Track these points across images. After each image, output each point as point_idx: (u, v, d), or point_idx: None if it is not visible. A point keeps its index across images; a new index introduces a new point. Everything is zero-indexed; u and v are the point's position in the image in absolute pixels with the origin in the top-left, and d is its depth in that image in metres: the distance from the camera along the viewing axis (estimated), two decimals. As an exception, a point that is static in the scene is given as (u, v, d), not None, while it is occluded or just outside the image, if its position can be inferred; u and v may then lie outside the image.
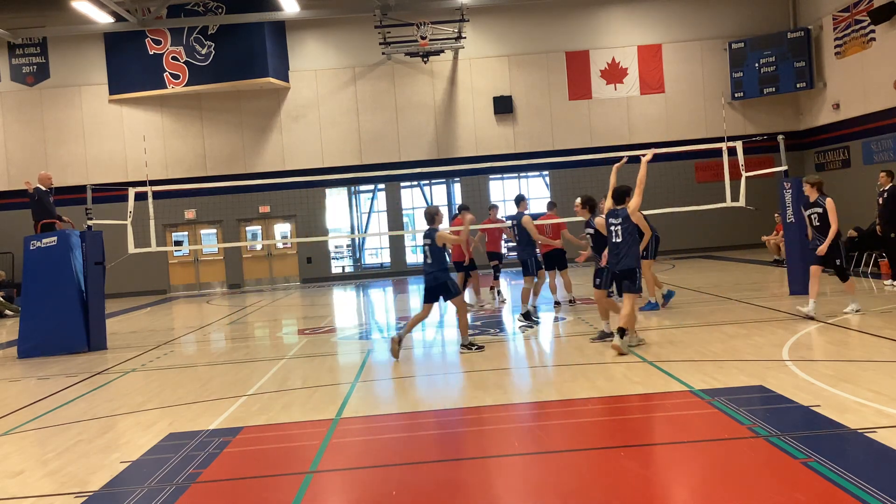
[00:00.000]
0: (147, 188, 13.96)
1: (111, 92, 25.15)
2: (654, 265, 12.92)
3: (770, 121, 24.65)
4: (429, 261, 9.73)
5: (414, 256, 26.49)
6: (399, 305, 17.65)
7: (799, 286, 12.19)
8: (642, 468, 5.16)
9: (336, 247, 27.16)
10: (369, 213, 26.58)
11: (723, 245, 24.32)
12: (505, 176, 25.88)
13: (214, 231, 25.98)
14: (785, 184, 12.96)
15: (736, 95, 24.70)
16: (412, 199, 26.32)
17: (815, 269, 10.47)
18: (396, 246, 26.13)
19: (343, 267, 26.90)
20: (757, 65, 24.23)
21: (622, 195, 9.26)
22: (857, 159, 22.06)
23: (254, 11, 23.60)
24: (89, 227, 12.80)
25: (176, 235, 25.93)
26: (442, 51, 23.63)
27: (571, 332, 11.06)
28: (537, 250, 12.51)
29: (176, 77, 24.71)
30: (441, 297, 9.75)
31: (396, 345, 9.56)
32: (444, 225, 12.29)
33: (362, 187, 26.34)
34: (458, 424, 6.71)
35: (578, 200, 10.53)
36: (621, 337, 8.75)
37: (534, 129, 25.16)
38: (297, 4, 22.77)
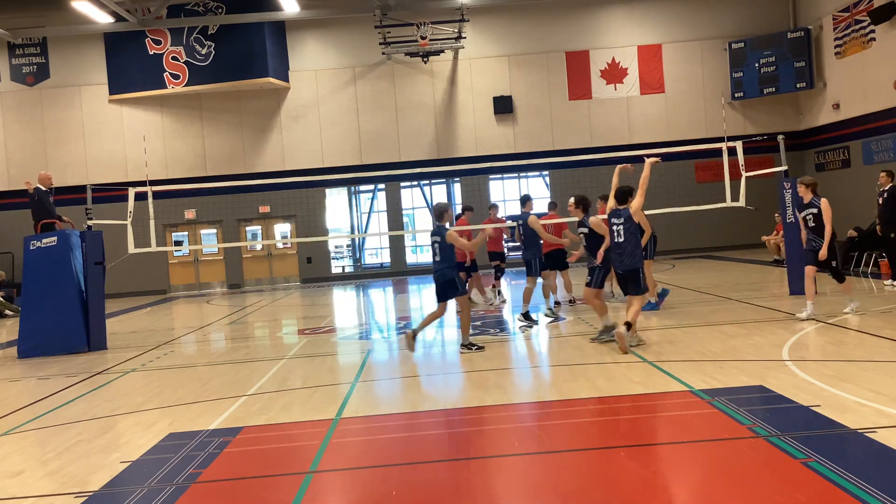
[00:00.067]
0: (147, 188, 13.95)
1: (111, 92, 25.16)
2: (654, 265, 12.92)
3: (770, 121, 24.66)
4: (437, 258, 9.78)
5: (414, 256, 26.52)
6: (399, 305, 17.65)
7: (799, 286, 12.18)
8: (642, 468, 5.16)
9: (336, 247, 27.17)
10: (369, 213, 26.58)
11: (723, 245, 24.32)
12: (505, 176, 25.88)
13: (214, 231, 25.98)
14: (785, 184, 12.97)
15: (736, 95, 24.70)
16: (412, 199, 26.33)
17: (809, 270, 10.45)
18: (396, 246, 26.13)
19: (343, 267, 26.91)
20: (757, 65, 24.23)
21: (625, 195, 9.34)
22: (857, 159, 22.06)
23: (254, 11, 23.61)
24: (89, 227, 12.80)
25: (176, 235, 25.93)
26: (442, 51, 23.64)
27: (571, 332, 11.06)
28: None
29: (176, 77, 24.72)
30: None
31: (412, 340, 9.71)
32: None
33: (362, 187, 26.34)
34: (458, 424, 6.71)
35: (572, 200, 10.61)
36: (627, 330, 8.84)
37: (534, 129, 25.17)
38: (297, 4, 22.77)
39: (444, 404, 7.43)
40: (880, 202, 13.86)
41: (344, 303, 19.49)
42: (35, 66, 25.22)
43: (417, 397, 7.92)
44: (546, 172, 25.32)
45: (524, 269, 12.43)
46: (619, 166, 10.31)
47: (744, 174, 13.35)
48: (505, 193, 25.65)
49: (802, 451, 5.04)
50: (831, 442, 5.30)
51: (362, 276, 26.19)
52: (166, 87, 24.78)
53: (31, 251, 12.56)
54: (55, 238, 12.55)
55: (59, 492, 5.37)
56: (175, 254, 25.75)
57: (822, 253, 10.16)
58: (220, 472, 5.62)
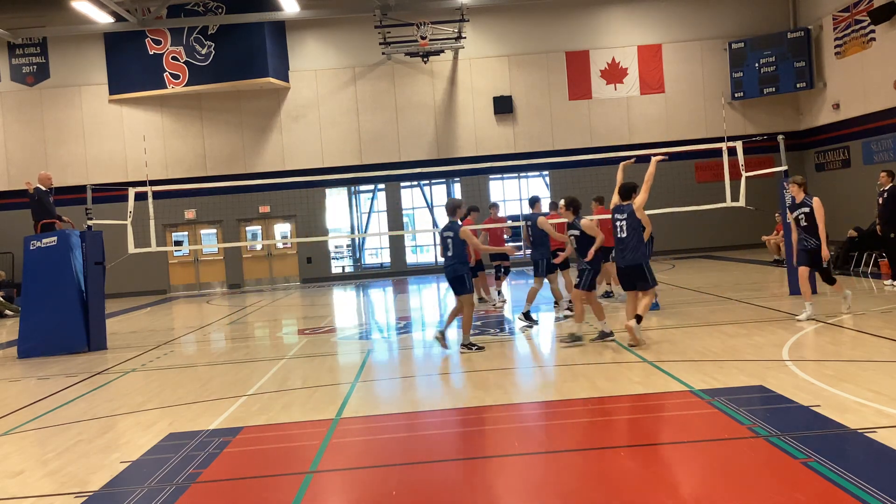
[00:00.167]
0: (147, 188, 13.95)
1: (111, 92, 25.15)
2: (652, 265, 12.88)
3: (770, 121, 24.65)
4: (449, 253, 9.83)
5: (414, 256, 26.52)
6: (399, 305, 17.65)
7: (799, 286, 12.16)
8: (642, 468, 5.16)
9: (336, 247, 27.17)
10: (369, 213, 26.57)
11: (723, 245, 24.31)
12: (505, 176, 25.88)
13: (214, 231, 25.97)
14: (785, 184, 12.95)
15: (736, 95, 24.70)
16: (412, 199, 26.32)
17: (803, 271, 10.39)
18: (396, 246, 26.12)
19: (343, 267, 26.90)
20: (757, 65, 24.23)
21: (629, 191, 9.43)
22: (857, 159, 22.06)
23: (254, 11, 23.60)
24: (89, 227, 12.80)
25: (176, 235, 25.93)
26: (442, 51, 23.63)
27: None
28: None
29: (176, 77, 24.71)
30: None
31: (442, 338, 9.89)
32: None
33: (362, 187, 26.33)
34: (458, 424, 6.71)
35: (562, 202, 10.60)
36: (637, 323, 9.03)
37: (534, 129, 25.16)
38: (297, 4, 22.77)
39: (444, 404, 7.43)
40: (880, 202, 13.86)
41: (344, 303, 19.49)
42: (35, 66, 25.22)
43: (417, 397, 7.93)
44: (546, 172, 25.31)
45: (523, 269, 12.43)
46: (622, 163, 10.32)
47: (744, 174, 13.36)
48: (505, 193, 25.64)
49: (802, 451, 5.04)
50: (831, 442, 5.30)
51: (362, 276, 26.18)
52: (166, 87, 24.77)
53: (31, 251, 12.56)
54: (55, 238, 12.55)
55: (59, 492, 5.37)
56: (175, 254, 25.74)
57: (825, 254, 10.09)
58: (220, 472, 5.62)
